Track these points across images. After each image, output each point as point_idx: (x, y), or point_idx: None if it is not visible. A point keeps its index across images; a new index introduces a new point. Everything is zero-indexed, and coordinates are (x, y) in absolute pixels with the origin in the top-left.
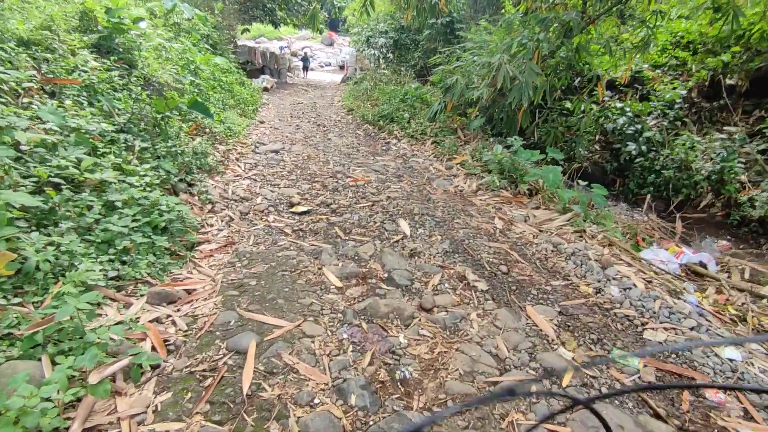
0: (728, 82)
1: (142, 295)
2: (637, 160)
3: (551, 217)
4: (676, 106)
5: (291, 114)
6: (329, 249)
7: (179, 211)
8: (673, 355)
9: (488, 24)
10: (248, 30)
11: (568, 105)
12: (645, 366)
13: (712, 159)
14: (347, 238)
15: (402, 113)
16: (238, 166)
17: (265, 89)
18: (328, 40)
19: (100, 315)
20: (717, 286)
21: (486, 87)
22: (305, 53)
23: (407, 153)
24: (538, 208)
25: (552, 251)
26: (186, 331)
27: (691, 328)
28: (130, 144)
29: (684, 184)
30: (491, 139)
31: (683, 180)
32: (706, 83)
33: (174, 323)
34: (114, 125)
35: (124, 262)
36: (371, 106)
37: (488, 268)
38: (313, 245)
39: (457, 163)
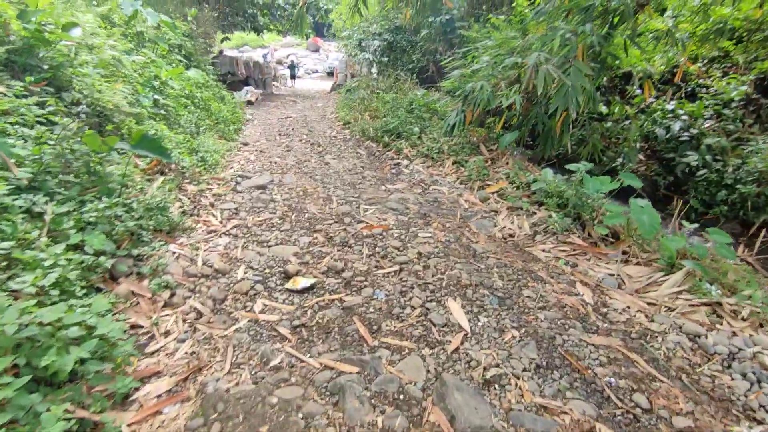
0: None
1: None
2: (700, 172)
3: (654, 278)
4: (734, 104)
5: (279, 131)
6: (354, 380)
7: (104, 333)
8: None
9: (497, 20)
10: (228, 39)
11: (603, 109)
12: None
13: None
14: (377, 342)
15: (410, 127)
16: (213, 215)
17: (249, 102)
18: (314, 47)
19: None
20: None
21: (517, 93)
22: (291, 61)
23: (424, 178)
24: (627, 262)
25: (692, 349)
26: None
27: None
28: (39, 210)
29: None
30: (515, 153)
31: None
32: (764, 76)
33: None
34: (9, 184)
35: None
36: (371, 118)
37: (617, 401)
38: (326, 366)
39: (493, 192)
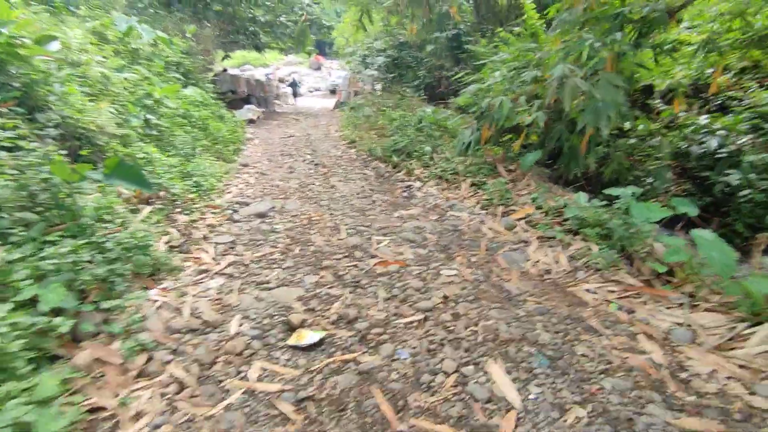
0: None
1: None
2: (744, 192)
3: (736, 330)
4: None
5: (281, 151)
6: None
7: None
8: None
9: (507, 34)
10: (230, 57)
11: (625, 124)
12: None
13: None
14: (404, 427)
15: (421, 146)
16: (206, 250)
17: (251, 121)
18: (316, 65)
19: None
20: None
21: (540, 109)
22: (293, 79)
23: (440, 203)
24: (694, 307)
25: None
26: None
27: None
28: None
29: None
30: (535, 173)
31: None
32: None
33: None
34: None
35: None
36: (377, 136)
37: None
38: None
39: (519, 219)
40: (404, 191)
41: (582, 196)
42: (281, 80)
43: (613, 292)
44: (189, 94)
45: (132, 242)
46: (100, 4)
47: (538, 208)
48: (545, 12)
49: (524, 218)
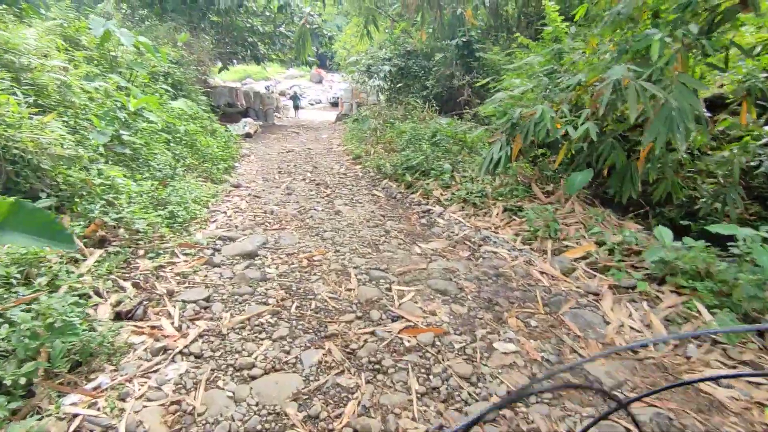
0: None
1: None
2: None
3: None
4: None
5: (279, 168)
6: None
7: None
8: None
9: (526, 39)
10: (227, 69)
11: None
12: None
13: None
14: None
15: (438, 163)
16: (169, 315)
17: (248, 135)
18: (317, 78)
19: None
20: None
21: (590, 119)
22: (294, 92)
23: (469, 234)
24: None
25: None
26: None
27: None
28: None
29: None
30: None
31: None
32: None
33: None
34: None
35: None
36: (385, 151)
37: None
38: None
39: (577, 259)
40: (422, 217)
41: (664, 233)
42: (282, 93)
43: (757, 386)
44: (177, 107)
45: (56, 315)
46: (75, 6)
47: (600, 243)
48: (571, 14)
49: (584, 258)
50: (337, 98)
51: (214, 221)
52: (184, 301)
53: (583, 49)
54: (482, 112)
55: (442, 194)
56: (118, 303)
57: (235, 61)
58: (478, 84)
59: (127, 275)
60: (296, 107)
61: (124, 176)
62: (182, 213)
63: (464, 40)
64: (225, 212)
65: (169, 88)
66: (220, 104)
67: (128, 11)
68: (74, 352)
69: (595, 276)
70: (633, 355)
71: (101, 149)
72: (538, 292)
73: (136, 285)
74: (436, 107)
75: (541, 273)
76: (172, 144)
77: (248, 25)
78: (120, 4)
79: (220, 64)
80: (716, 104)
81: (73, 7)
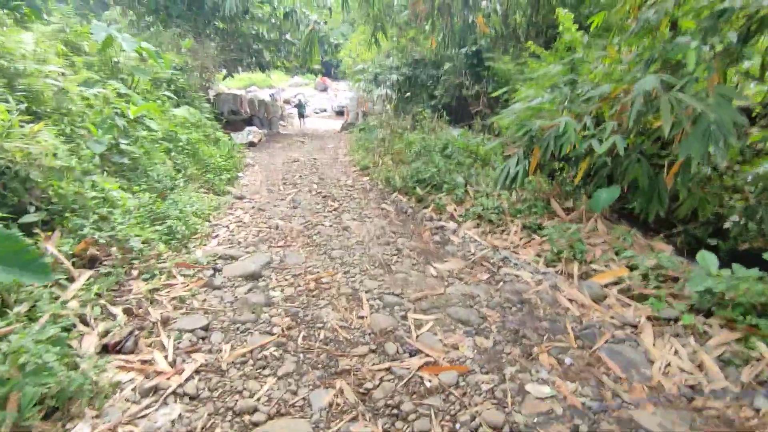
0: None
1: None
2: None
3: None
4: None
5: (284, 179)
6: None
7: None
8: None
9: (539, 48)
10: (231, 76)
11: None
12: None
13: None
14: None
15: (452, 175)
16: (162, 346)
17: (252, 144)
18: (322, 86)
19: None
20: None
21: (615, 132)
22: (299, 100)
23: (487, 253)
24: None
25: None
26: None
27: None
28: None
29: None
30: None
31: None
32: None
33: None
34: None
35: None
36: (394, 163)
37: None
38: None
39: (607, 284)
40: (435, 234)
41: (708, 258)
42: (287, 101)
43: None
44: (179, 114)
45: (29, 355)
46: (82, 14)
47: (632, 268)
48: (587, 23)
49: (615, 284)
50: (343, 107)
51: (215, 236)
52: (179, 330)
53: (604, 59)
54: (498, 123)
55: (455, 210)
56: (107, 333)
57: (240, 68)
58: (493, 94)
59: (118, 299)
60: (301, 116)
61: (121, 188)
62: (181, 228)
63: (474, 49)
64: (227, 227)
65: (172, 95)
66: (224, 112)
67: (134, 18)
68: (50, 395)
69: (629, 305)
70: (687, 403)
71: (97, 159)
72: (568, 322)
73: (127, 311)
74: (449, 118)
75: (570, 300)
76: (173, 153)
77: (254, 31)
78: (126, 11)
79: (224, 71)
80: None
81: (79, 15)
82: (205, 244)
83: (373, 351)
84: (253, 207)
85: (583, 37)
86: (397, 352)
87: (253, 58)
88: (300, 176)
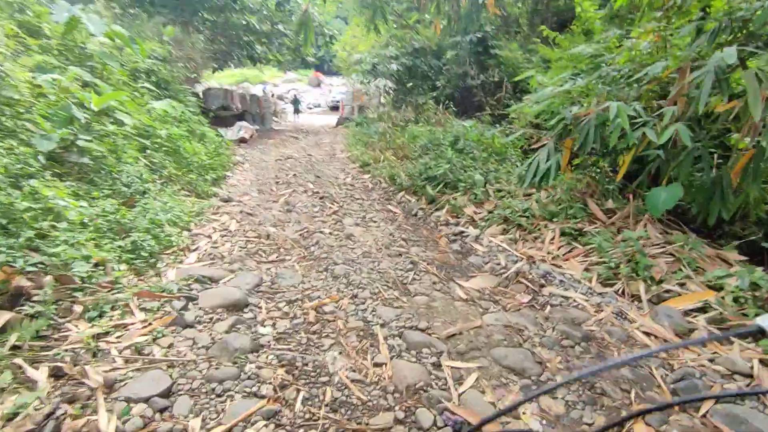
0: None
1: None
2: None
3: None
4: None
5: (277, 177)
6: None
7: None
8: None
9: (553, 32)
10: (221, 70)
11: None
12: None
13: None
14: None
15: (467, 172)
16: (101, 430)
17: (243, 140)
18: (315, 81)
19: None
20: None
21: (676, 122)
22: (294, 95)
23: (522, 266)
24: None
25: None
26: None
27: None
28: None
29: None
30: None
31: None
32: None
33: None
34: None
35: None
36: (397, 158)
37: None
38: None
39: (690, 311)
40: (453, 241)
41: None
42: (280, 97)
43: None
44: (158, 108)
45: None
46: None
47: (717, 288)
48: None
49: (701, 311)
50: (338, 102)
51: (195, 249)
52: (128, 400)
53: (644, 35)
54: (521, 112)
55: (475, 212)
56: (13, 415)
57: (231, 63)
58: (516, 79)
59: (44, 354)
60: (296, 111)
61: (75, 194)
62: (150, 243)
63: (479, 35)
64: (210, 236)
65: (153, 88)
66: (214, 107)
67: (119, 11)
68: None
69: (731, 341)
70: None
71: (41, 159)
72: (655, 369)
73: (55, 373)
74: (456, 109)
75: (647, 334)
76: (149, 151)
77: (244, 22)
78: (110, 3)
79: (214, 65)
80: None
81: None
82: (180, 261)
83: (400, 422)
84: (241, 211)
85: (603, 18)
86: (435, 424)
87: (244, 51)
88: (294, 175)
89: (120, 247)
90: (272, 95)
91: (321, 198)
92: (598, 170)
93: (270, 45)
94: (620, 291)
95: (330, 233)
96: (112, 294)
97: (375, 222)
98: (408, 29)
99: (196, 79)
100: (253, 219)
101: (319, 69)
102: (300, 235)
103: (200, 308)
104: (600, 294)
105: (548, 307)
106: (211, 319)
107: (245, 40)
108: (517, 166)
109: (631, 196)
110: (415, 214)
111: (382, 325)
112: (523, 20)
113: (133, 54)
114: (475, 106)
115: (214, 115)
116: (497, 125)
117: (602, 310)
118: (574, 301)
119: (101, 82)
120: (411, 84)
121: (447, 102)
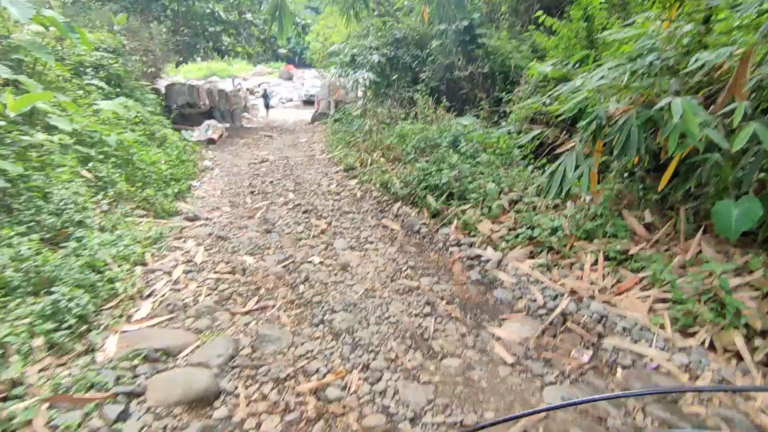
0: None
1: None
2: None
3: None
4: None
5: (251, 186)
6: None
7: None
8: None
9: (552, 19)
10: (185, 63)
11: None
12: None
13: None
14: None
15: (479, 180)
16: None
17: (211, 141)
18: (286, 74)
19: None
20: None
21: (749, 118)
22: (264, 90)
23: (568, 306)
24: None
25: None
26: None
27: None
28: None
29: None
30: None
31: None
32: None
33: None
34: None
35: None
36: (387, 161)
37: None
38: None
39: None
40: (470, 267)
41: None
42: (251, 91)
43: None
44: (106, 108)
45: None
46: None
47: None
48: None
49: None
50: (311, 96)
51: (148, 295)
52: None
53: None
54: (550, 111)
55: (492, 229)
56: None
57: (197, 57)
58: (530, 70)
59: None
60: (267, 106)
61: None
62: (81, 300)
63: (465, 24)
64: (170, 273)
65: (104, 85)
66: (178, 104)
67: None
68: None
69: None
70: None
71: None
72: None
73: None
74: (452, 104)
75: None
76: (93, 163)
77: (208, 11)
78: None
79: (178, 58)
80: None
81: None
82: (127, 319)
83: None
84: (210, 234)
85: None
86: None
87: (211, 43)
88: (271, 182)
89: (33, 312)
90: (242, 88)
91: (305, 212)
92: (631, 176)
93: (238, 36)
94: (703, 342)
95: (321, 263)
96: (7, 406)
97: (372, 243)
98: (388, 17)
99: (156, 74)
100: (225, 245)
101: (291, 61)
102: (284, 267)
103: (148, 409)
104: (682, 349)
105: (619, 370)
106: (164, 429)
107: (211, 31)
108: (525, 170)
109: (682, 210)
110: (418, 231)
111: (412, 420)
112: (506, 8)
113: (74, 45)
114: (462, 100)
115: (178, 113)
116: (499, 123)
117: (697, 375)
118: (651, 360)
119: (29, 80)
120: (396, 76)
121: (436, 96)
